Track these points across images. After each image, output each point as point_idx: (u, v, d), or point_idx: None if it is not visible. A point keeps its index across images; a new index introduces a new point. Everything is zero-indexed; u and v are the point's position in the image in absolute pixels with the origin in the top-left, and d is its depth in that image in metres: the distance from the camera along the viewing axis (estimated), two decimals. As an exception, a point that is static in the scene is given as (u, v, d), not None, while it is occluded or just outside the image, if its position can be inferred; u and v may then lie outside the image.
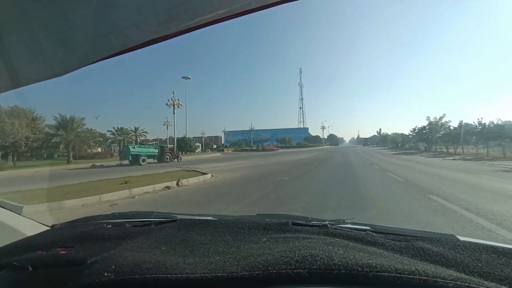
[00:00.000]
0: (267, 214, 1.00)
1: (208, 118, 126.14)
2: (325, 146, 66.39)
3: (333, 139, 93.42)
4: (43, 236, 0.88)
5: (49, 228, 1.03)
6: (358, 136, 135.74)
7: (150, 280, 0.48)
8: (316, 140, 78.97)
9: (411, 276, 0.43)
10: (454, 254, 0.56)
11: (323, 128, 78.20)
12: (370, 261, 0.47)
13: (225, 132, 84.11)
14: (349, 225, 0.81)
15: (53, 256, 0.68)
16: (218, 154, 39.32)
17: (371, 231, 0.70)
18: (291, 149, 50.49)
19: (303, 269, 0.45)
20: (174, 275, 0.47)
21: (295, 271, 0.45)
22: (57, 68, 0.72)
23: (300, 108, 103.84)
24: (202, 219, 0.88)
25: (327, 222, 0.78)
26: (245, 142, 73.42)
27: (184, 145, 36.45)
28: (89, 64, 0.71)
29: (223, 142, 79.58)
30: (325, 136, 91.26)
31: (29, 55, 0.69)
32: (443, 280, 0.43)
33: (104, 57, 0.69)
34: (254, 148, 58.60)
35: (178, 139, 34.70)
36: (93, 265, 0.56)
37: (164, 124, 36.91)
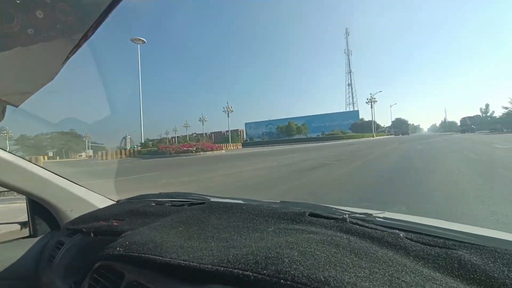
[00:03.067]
0: (291, 202, 0.94)
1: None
2: (382, 136, 45.22)
3: (400, 126, 63.61)
4: (107, 210, 1.07)
5: (114, 202, 1.24)
6: (445, 119, 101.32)
7: (143, 259, 0.56)
8: (369, 127, 58.57)
9: None
10: (506, 273, 0.40)
11: (371, 101, 46.25)
12: (334, 274, 0.39)
13: (249, 126, 69.45)
14: (377, 219, 0.68)
15: (109, 226, 0.87)
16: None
17: (400, 229, 0.57)
18: (298, 144, 29.91)
19: (253, 272, 0.43)
20: (160, 258, 0.55)
21: (244, 273, 0.44)
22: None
23: (349, 85, 78.37)
24: (227, 203, 0.90)
25: (347, 215, 0.68)
26: (270, 135, 59.38)
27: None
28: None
29: (244, 137, 67.11)
30: (390, 121, 69.13)
31: None
32: None
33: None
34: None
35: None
36: (118, 240, 0.68)
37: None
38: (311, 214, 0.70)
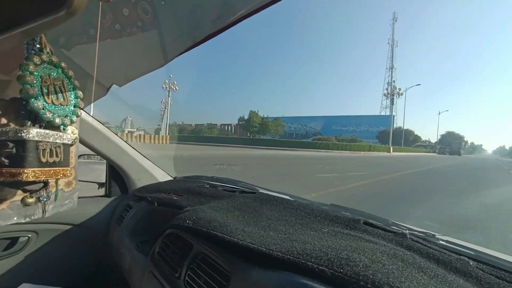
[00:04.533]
0: (342, 206, 0.90)
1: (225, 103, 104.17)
2: (415, 153, 32.77)
3: (449, 141, 50.30)
4: (167, 184, 1.24)
5: (172, 179, 1.42)
6: None
7: (212, 235, 0.63)
8: (401, 137, 43.88)
9: None
10: None
11: (392, 94, 28.27)
12: (416, 286, 0.38)
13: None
14: (440, 242, 0.61)
15: (169, 199, 1.00)
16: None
17: (467, 257, 0.52)
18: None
19: (329, 268, 0.43)
20: (229, 237, 0.60)
21: (320, 267, 0.44)
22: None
23: (389, 83, 60.76)
24: (278, 196, 0.93)
25: (407, 231, 0.63)
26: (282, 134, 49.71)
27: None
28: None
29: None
30: (437, 134, 53.64)
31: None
32: None
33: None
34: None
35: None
36: (185, 213, 0.77)
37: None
38: (366, 223, 0.68)
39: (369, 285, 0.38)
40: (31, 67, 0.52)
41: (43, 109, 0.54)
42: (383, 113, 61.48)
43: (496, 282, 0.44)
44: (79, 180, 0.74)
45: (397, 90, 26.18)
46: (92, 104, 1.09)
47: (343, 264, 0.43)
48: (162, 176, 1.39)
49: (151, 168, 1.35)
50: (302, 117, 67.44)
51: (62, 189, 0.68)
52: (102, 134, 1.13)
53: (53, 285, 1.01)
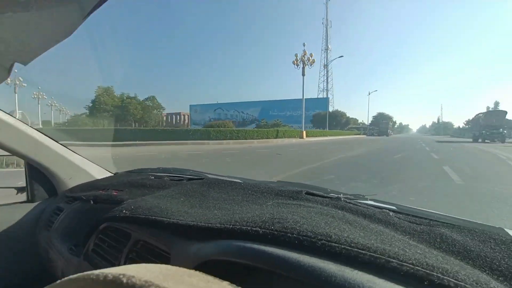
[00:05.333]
0: (288, 182, 0.97)
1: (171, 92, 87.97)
2: (339, 137, 30.09)
3: (378, 123, 47.78)
4: (106, 180, 1.14)
5: (112, 174, 1.27)
6: (439, 119, 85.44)
7: (151, 220, 0.61)
8: (336, 120, 41.67)
9: (385, 258, 0.36)
10: (481, 247, 0.45)
11: (303, 62, 19.80)
12: (338, 232, 0.43)
13: (195, 110, 53.10)
14: (368, 201, 0.72)
15: (108, 195, 0.91)
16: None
17: (388, 210, 0.63)
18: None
19: (261, 228, 0.47)
20: (168, 219, 0.59)
21: (253, 228, 0.47)
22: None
23: (325, 66, 57.78)
24: (225, 180, 0.92)
25: (341, 195, 0.73)
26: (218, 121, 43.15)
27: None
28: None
29: (187, 121, 53.70)
30: (368, 115, 53.36)
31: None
32: (438, 275, 0.33)
33: None
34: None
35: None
36: (124, 205, 0.73)
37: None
38: (308, 193, 0.74)
39: (294, 235, 0.43)
40: None
41: None
42: (321, 96, 59.65)
43: (408, 225, 0.53)
44: None
45: (308, 56, 20.77)
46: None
47: (275, 223, 0.48)
48: (99, 172, 1.25)
49: (85, 164, 1.22)
50: (239, 103, 61.30)
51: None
52: (12, 128, 0.98)
53: None
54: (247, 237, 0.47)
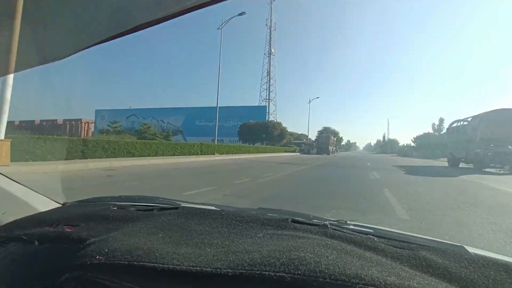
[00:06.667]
0: (269, 208, 0.96)
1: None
2: (270, 154, 21.83)
3: (321, 139, 40.50)
4: (53, 213, 0.91)
5: (60, 205, 1.05)
6: (385, 136, 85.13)
7: (138, 267, 0.50)
8: (265, 131, 31.94)
9: None
10: (459, 267, 0.52)
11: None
12: (360, 271, 0.44)
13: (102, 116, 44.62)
14: (351, 227, 0.76)
15: (59, 232, 0.72)
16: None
17: (372, 235, 0.67)
18: None
19: (287, 273, 0.43)
20: (161, 265, 0.49)
21: (277, 274, 0.43)
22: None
23: (268, 74, 52.22)
24: (204, 208, 0.87)
25: (327, 222, 0.75)
26: (130, 130, 29.64)
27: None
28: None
29: (92, 130, 43.19)
30: (308, 129, 45.74)
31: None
32: None
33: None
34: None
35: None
36: (90, 246, 0.60)
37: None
38: (293, 221, 0.73)
39: (327, 280, 0.41)
40: None
41: None
42: (263, 105, 50.92)
43: (394, 251, 0.56)
44: None
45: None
46: None
47: (297, 265, 0.44)
48: (44, 203, 1.02)
49: (23, 194, 0.99)
50: (159, 109, 49.51)
51: None
52: None
53: None
54: (270, 284, 0.42)
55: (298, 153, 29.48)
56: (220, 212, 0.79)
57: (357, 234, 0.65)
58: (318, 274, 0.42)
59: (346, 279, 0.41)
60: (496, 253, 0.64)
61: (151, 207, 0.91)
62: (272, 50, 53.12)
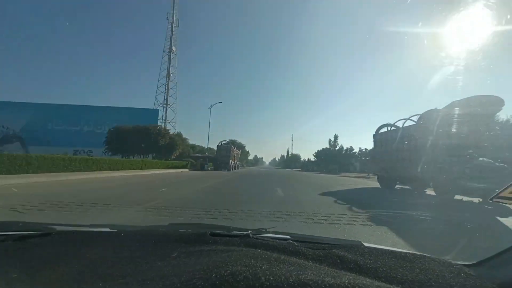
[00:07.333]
0: (181, 223, 1.00)
1: None
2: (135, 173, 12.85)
3: (220, 151, 29.44)
4: None
5: None
6: (289, 151, 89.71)
7: None
8: (145, 141, 23.29)
9: None
10: (364, 260, 0.58)
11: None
12: (299, 277, 0.43)
13: None
14: (271, 235, 0.77)
15: None
16: None
17: (292, 240, 0.69)
18: None
19: None
20: None
21: None
22: None
23: (167, 75, 43.88)
24: (93, 231, 0.75)
25: (249, 231, 0.74)
26: None
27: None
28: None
29: None
30: (206, 138, 39.45)
31: None
32: None
33: None
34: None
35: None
36: None
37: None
38: (212, 234, 0.70)
39: None
40: None
41: None
42: (163, 109, 41.34)
43: (312, 252, 0.61)
44: None
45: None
46: None
47: (232, 281, 0.41)
48: None
49: None
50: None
51: None
52: None
53: None
54: None
55: (187, 170, 22.39)
56: (118, 234, 0.69)
57: (278, 240, 0.68)
58: (258, 286, 0.39)
59: (286, 286, 0.40)
60: (383, 246, 0.73)
61: (5, 237, 0.68)
62: (174, 49, 45.39)
